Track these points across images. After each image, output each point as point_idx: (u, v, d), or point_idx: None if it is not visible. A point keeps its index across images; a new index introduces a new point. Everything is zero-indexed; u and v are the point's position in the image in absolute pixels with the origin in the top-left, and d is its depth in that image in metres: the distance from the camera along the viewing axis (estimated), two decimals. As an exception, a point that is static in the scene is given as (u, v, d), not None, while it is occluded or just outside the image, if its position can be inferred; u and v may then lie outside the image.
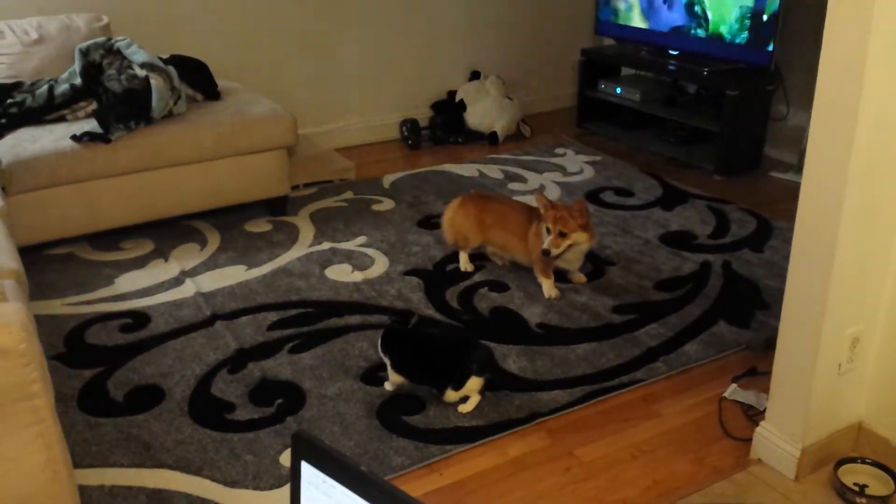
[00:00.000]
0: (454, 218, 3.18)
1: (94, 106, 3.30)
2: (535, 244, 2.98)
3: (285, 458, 2.16)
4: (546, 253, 2.84)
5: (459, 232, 3.16)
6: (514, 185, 4.03)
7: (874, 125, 1.80)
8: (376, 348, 2.64)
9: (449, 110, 4.74)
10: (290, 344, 2.68)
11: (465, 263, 3.18)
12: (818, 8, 1.93)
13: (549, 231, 2.85)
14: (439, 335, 2.52)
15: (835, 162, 1.83)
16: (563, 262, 2.99)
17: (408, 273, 3.16)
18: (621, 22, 4.67)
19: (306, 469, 0.90)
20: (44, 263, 3.21)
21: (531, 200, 3.80)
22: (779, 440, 2.11)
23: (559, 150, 4.54)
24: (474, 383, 2.32)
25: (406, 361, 2.39)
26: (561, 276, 3.06)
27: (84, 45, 3.37)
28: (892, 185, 1.92)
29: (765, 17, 3.87)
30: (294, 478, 0.91)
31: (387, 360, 2.41)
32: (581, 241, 2.89)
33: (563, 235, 2.84)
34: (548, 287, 2.98)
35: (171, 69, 3.36)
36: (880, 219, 1.94)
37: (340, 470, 0.87)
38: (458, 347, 2.38)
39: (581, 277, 3.09)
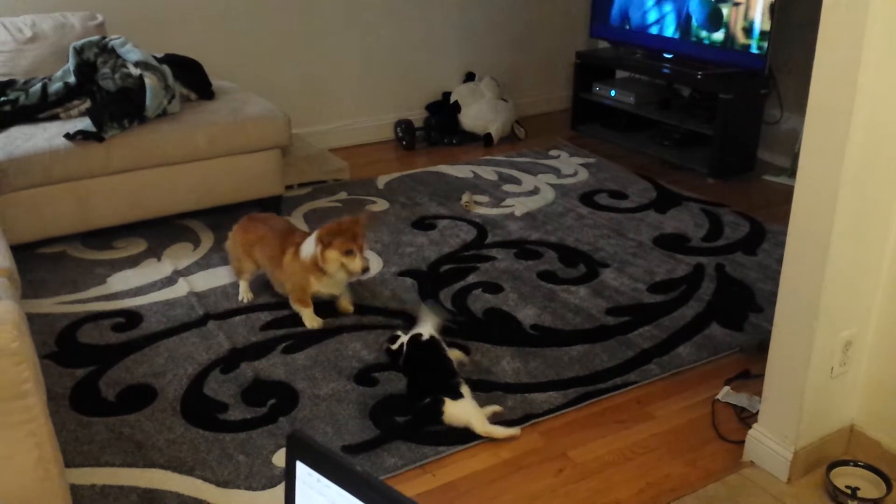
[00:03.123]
0: (231, 245, 2.99)
1: (87, 104, 3.29)
2: (291, 272, 2.77)
3: (278, 459, 2.16)
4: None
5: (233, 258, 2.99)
6: (508, 187, 4.03)
7: (867, 129, 1.81)
8: (369, 349, 2.64)
9: (443, 111, 4.74)
10: (284, 344, 2.68)
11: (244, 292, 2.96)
12: (812, 12, 1.94)
13: (352, 252, 2.64)
14: (435, 370, 2.38)
15: (828, 166, 1.84)
16: (327, 288, 2.78)
17: (402, 274, 3.15)
18: (616, 25, 4.68)
19: (301, 469, 0.90)
20: (36, 262, 3.20)
21: (528, 200, 3.81)
22: (771, 443, 2.12)
23: (553, 152, 4.55)
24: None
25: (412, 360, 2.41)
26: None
27: (78, 43, 3.36)
28: (885, 188, 1.93)
29: (759, 21, 3.88)
30: (289, 477, 0.91)
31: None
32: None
33: (361, 249, 2.68)
34: (309, 317, 2.78)
35: (165, 68, 3.35)
36: (873, 222, 1.95)
37: (335, 470, 0.87)
38: (430, 387, 2.32)
39: (349, 307, 2.87)
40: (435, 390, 2.29)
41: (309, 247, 2.70)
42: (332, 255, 2.66)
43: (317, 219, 3.64)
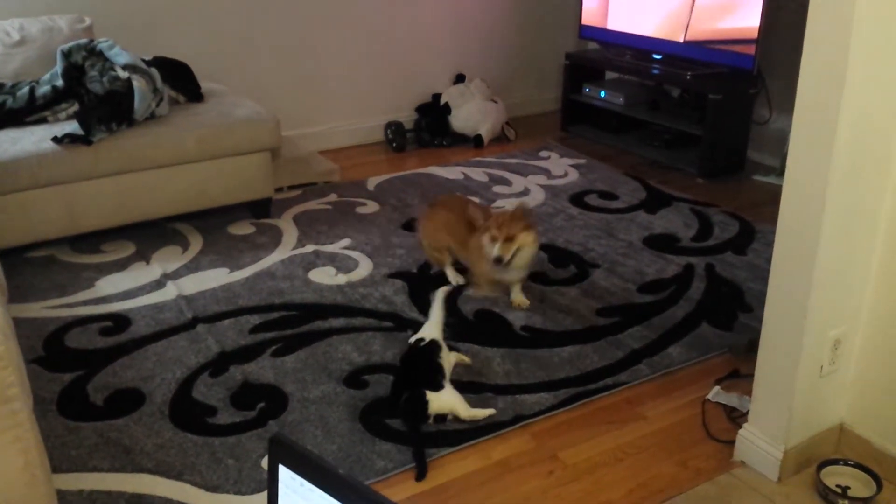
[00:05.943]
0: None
1: (75, 107, 3.27)
2: (474, 250, 2.91)
3: (267, 463, 2.14)
4: (499, 260, 2.76)
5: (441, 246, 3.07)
6: (498, 188, 4.03)
7: (855, 128, 1.81)
8: (359, 351, 2.63)
9: (434, 113, 4.74)
10: (273, 347, 2.67)
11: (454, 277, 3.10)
12: (800, 12, 1.94)
13: (494, 239, 2.77)
14: (421, 370, 2.41)
15: (816, 165, 1.84)
16: (508, 275, 2.88)
17: (392, 276, 3.15)
18: (605, 26, 4.68)
19: (284, 473, 0.89)
20: (23, 266, 3.18)
21: (518, 202, 3.81)
22: (761, 442, 2.12)
23: (543, 153, 4.55)
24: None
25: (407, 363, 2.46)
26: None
27: (66, 46, 3.35)
28: (873, 187, 1.93)
29: (747, 21, 3.89)
30: (272, 481, 0.90)
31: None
32: (528, 243, 2.81)
33: (510, 239, 2.77)
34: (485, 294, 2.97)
35: (153, 71, 3.34)
36: (862, 221, 1.95)
37: (318, 473, 0.86)
38: (412, 383, 2.35)
39: (524, 301, 2.92)
40: (415, 385, 2.31)
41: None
42: (484, 238, 2.82)
43: (307, 221, 3.63)
